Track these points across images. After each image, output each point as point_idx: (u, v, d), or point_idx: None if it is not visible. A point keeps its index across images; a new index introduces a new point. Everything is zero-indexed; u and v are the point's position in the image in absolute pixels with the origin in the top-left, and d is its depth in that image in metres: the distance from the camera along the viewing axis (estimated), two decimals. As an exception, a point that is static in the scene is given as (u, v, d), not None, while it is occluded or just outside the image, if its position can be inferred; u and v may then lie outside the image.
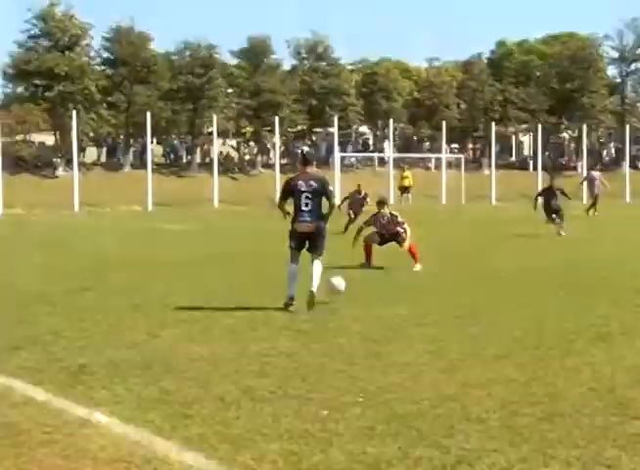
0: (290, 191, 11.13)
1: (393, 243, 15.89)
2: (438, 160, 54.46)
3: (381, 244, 16.07)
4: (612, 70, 69.16)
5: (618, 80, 68.29)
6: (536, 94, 63.13)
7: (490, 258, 17.61)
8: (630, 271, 14.82)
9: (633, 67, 67.84)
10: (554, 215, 22.92)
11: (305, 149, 15.78)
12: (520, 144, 68.94)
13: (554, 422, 5.97)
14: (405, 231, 15.78)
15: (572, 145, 67.95)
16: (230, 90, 57.44)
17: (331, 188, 11.43)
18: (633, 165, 57.54)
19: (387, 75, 60.75)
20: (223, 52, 58.37)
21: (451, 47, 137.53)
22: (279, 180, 46.71)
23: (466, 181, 49.51)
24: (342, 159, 53.13)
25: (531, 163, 59.36)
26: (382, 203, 16.01)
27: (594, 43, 66.27)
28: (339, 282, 11.29)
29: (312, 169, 11.20)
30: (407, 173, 48.20)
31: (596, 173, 36.22)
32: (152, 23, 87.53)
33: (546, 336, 9.01)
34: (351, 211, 24.87)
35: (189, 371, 7.54)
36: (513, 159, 66.12)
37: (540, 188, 30.74)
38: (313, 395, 6.73)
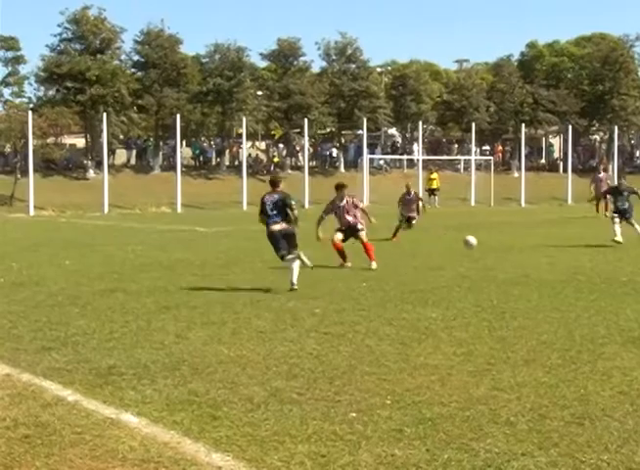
0: (262, 205, 13.44)
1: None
2: (468, 162, 54.33)
3: (344, 240, 16.77)
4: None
5: (652, 82, 67.67)
6: (567, 96, 62.68)
7: (519, 260, 17.50)
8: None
9: (670, 68, 67.24)
10: (620, 215, 21.17)
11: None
12: (550, 146, 68.48)
13: (584, 426, 5.93)
14: (364, 211, 17.07)
15: (603, 147, 67.42)
16: (259, 92, 57.55)
17: (292, 201, 13.50)
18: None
19: (416, 78, 60.59)
20: (253, 54, 58.63)
21: (481, 49, 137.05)
22: (307, 182, 46.87)
23: (495, 183, 49.34)
24: (371, 161, 53.12)
25: (561, 165, 59.02)
26: (341, 186, 17.10)
27: (626, 44, 65.75)
28: (472, 239, 16.40)
29: (278, 189, 13.52)
30: (435, 175, 48.29)
31: (602, 175, 36.05)
32: (182, 26, 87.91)
33: (576, 339, 8.94)
34: (406, 215, 24.07)
35: (217, 373, 7.56)
36: (543, 161, 65.77)
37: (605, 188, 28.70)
38: (341, 397, 6.72)
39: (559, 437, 5.69)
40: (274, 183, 13.69)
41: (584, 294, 12.39)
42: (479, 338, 9.11)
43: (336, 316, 10.50)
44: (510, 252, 19.53)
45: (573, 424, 5.96)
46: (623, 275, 14.64)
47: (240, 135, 51.67)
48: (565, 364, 7.80)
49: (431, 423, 6.02)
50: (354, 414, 6.24)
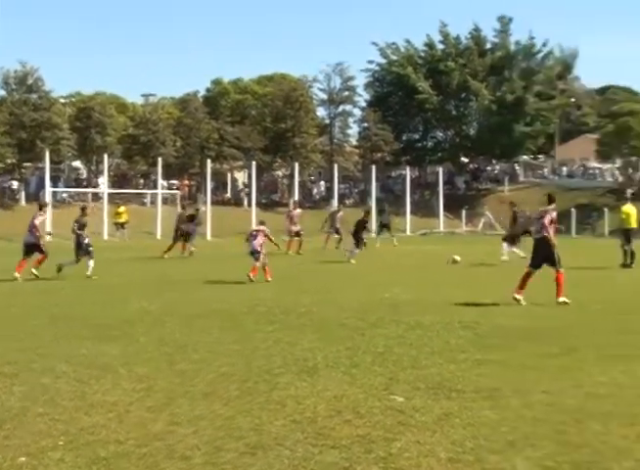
0: None
1: None
2: (154, 195, 54.27)
3: None
4: (321, 112, 72.35)
5: (327, 121, 71.39)
6: (251, 132, 64.46)
7: (203, 293, 17.65)
8: (338, 305, 15.33)
9: (340, 109, 71.29)
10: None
11: None
12: (235, 180, 70.10)
13: (256, 455, 6.06)
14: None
15: (286, 182, 69.98)
16: None
17: None
18: (341, 203, 60.21)
19: (101, 110, 59.80)
20: None
21: (168, 83, 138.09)
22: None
23: (182, 217, 49.54)
24: (55, 194, 51.67)
25: (246, 199, 60.55)
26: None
27: (305, 85, 68.92)
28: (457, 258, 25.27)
29: None
30: (122, 209, 47.91)
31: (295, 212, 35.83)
32: None
33: (254, 371, 9.15)
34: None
35: None
36: (228, 195, 67.12)
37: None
38: (11, 441, 6.41)
39: (233, 468, 5.78)
40: None
41: (263, 325, 12.71)
42: (159, 372, 9.07)
43: (9, 356, 10.03)
44: (195, 285, 19.65)
45: (247, 454, 6.08)
46: (302, 306, 15.15)
47: None
48: (242, 396, 7.95)
49: (105, 462, 5.90)
50: (24, 458, 5.97)
